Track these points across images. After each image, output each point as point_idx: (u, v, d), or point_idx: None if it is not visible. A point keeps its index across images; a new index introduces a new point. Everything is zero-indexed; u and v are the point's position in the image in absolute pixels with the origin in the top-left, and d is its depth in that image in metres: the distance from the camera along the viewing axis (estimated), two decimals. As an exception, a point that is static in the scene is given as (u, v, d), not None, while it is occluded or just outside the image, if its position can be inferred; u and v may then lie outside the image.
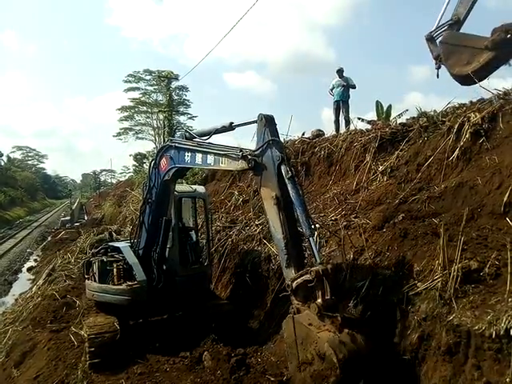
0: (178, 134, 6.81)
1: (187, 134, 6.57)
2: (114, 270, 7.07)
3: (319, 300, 4.26)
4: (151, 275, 6.99)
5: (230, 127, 6.03)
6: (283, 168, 4.76)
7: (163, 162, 6.71)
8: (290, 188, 4.70)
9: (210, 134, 6.10)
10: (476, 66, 5.86)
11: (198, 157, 5.96)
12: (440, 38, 5.99)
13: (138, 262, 7.04)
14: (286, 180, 4.70)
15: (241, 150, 5.22)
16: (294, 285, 4.52)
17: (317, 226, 7.86)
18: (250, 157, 5.05)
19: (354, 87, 13.17)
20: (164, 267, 7.18)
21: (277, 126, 5.16)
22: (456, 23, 5.78)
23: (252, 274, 8.45)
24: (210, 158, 5.75)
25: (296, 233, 5.01)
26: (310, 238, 4.66)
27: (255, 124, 5.27)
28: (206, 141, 6.04)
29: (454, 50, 5.70)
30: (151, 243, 7.13)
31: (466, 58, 5.54)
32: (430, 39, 5.91)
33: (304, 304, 4.46)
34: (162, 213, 7.01)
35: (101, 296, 7.08)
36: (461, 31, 5.90)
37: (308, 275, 4.34)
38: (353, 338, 4.18)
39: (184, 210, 8.24)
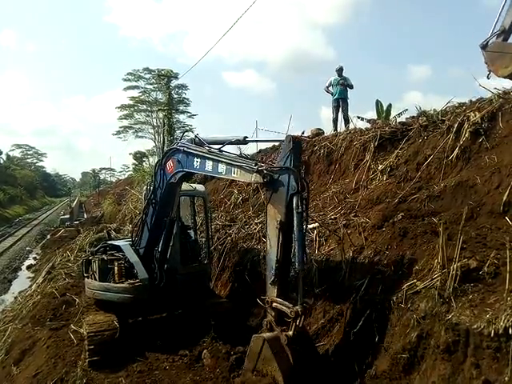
0: (187, 138, 6.72)
1: (197, 139, 6.46)
2: (116, 268, 7.07)
3: (290, 333, 4.72)
4: (152, 274, 7.00)
5: (244, 141, 6.10)
6: (295, 199, 4.82)
7: (169, 164, 6.65)
8: (295, 220, 4.81)
9: (222, 143, 6.05)
10: None
11: (209, 164, 5.91)
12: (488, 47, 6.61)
13: (140, 261, 7.06)
14: (295, 213, 4.79)
15: (256, 163, 5.25)
16: (273, 306, 4.97)
17: (316, 224, 7.88)
18: (265, 172, 5.08)
19: (351, 87, 13.15)
20: (165, 266, 7.19)
21: (301, 153, 5.32)
22: (503, 32, 6.29)
23: (251, 272, 8.46)
24: (222, 167, 5.70)
25: (288, 259, 5.15)
26: (300, 272, 4.86)
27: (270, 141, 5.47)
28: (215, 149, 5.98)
29: (497, 56, 6.32)
30: (153, 243, 7.14)
31: (506, 63, 6.16)
32: (483, 47, 6.48)
33: (277, 325, 4.92)
34: (166, 213, 7.02)
35: (102, 294, 7.08)
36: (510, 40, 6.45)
37: (288, 310, 4.71)
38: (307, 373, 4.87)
39: (184, 209, 8.24)
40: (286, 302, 4.80)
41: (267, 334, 4.91)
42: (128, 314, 7.15)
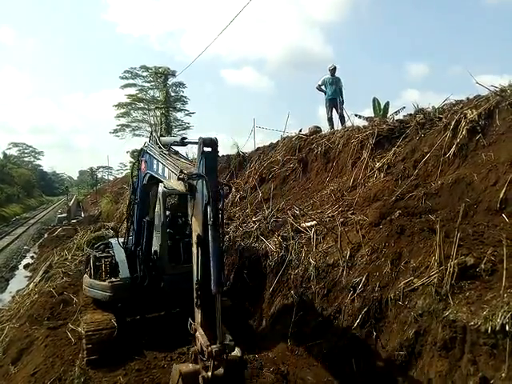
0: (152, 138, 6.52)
1: (156, 139, 6.22)
2: (103, 265, 7.11)
3: (210, 373, 3.98)
4: (139, 273, 6.98)
5: (182, 143, 5.80)
6: (208, 210, 4.21)
7: (143, 164, 6.56)
8: (210, 234, 4.20)
9: (167, 145, 5.84)
10: None
11: (160, 167, 5.57)
12: None
13: (125, 259, 7.04)
14: (208, 225, 4.20)
15: (181, 170, 4.73)
16: (195, 335, 4.37)
17: (314, 222, 7.89)
18: (185, 179, 4.56)
19: (341, 89, 13.14)
20: (151, 265, 7.12)
21: (217, 153, 4.58)
22: None
23: (249, 270, 8.47)
24: (167, 172, 5.29)
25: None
26: (217, 296, 4.16)
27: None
28: (172, 150, 5.77)
29: None
30: (138, 242, 7.13)
31: None
32: None
33: (202, 357, 4.10)
34: (145, 213, 6.98)
35: (89, 291, 7.16)
36: None
37: (204, 348, 4.02)
38: None
39: (184, 207, 8.16)
40: (206, 337, 4.13)
41: (185, 368, 4.22)
42: (126, 313, 7.15)
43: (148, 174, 6.34)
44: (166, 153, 5.62)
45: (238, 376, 4.38)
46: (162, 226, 7.26)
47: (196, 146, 4.71)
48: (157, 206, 7.22)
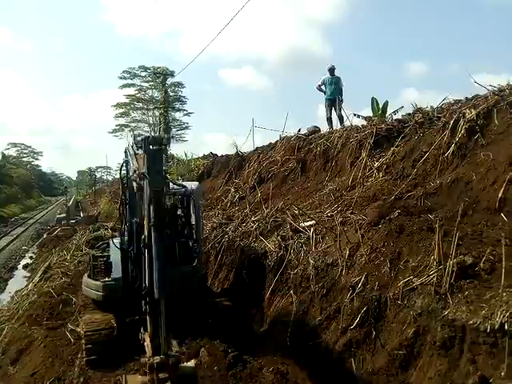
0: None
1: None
2: (98, 265, 7.11)
3: None
4: (129, 273, 6.93)
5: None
6: (150, 210, 4.07)
7: (129, 165, 6.55)
8: (152, 236, 4.04)
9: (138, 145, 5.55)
10: None
11: (132, 168, 5.41)
12: None
13: (120, 260, 7.01)
14: (151, 227, 4.03)
15: (134, 170, 4.61)
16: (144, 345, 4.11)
17: (313, 222, 7.89)
18: (136, 181, 4.44)
19: (340, 90, 13.15)
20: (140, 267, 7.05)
21: (162, 152, 4.49)
22: None
23: (249, 270, 8.47)
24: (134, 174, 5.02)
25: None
26: (161, 301, 3.92)
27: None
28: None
29: None
30: (130, 242, 7.10)
31: None
32: None
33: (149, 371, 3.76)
34: (134, 214, 6.95)
35: (85, 290, 7.16)
36: None
37: (146, 358, 3.81)
38: None
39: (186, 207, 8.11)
40: (150, 348, 3.89)
41: (134, 379, 4.02)
42: (125, 313, 7.13)
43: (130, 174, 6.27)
44: (138, 152, 5.36)
45: None
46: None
47: None
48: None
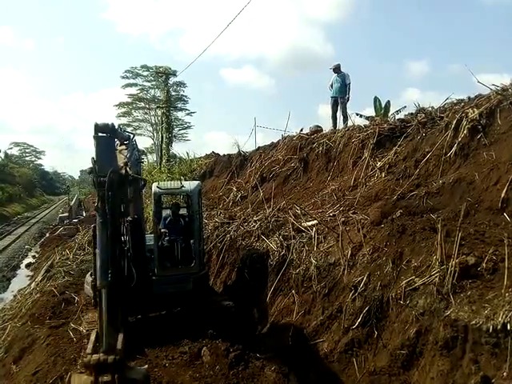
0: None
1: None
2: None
3: None
4: (129, 273, 6.91)
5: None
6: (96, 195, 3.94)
7: None
8: (97, 220, 3.97)
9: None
10: None
11: None
12: None
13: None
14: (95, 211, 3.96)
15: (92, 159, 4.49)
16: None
17: (315, 221, 7.89)
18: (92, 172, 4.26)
19: (346, 85, 13.10)
20: (141, 266, 7.03)
21: (111, 139, 4.46)
22: None
23: (251, 269, 8.47)
24: None
25: (117, 276, 4.13)
26: (102, 290, 3.74)
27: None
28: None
29: None
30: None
31: None
32: None
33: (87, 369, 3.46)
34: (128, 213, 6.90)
35: (85, 288, 7.17)
36: None
37: (83, 356, 3.63)
38: None
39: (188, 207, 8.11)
40: (91, 344, 3.66)
41: (79, 379, 3.55)
42: (127, 312, 7.13)
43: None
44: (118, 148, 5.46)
45: None
46: (154, 226, 7.14)
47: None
48: (150, 206, 7.18)
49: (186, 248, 7.72)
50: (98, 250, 3.88)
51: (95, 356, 3.31)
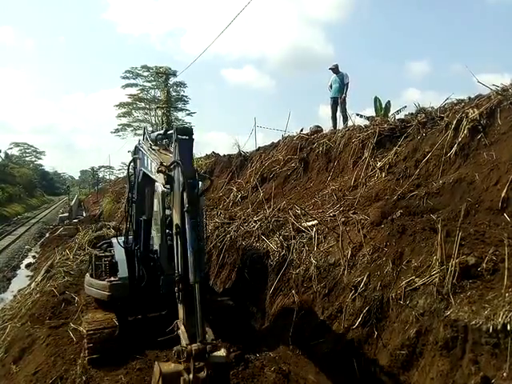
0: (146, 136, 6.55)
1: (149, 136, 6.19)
2: (103, 264, 7.11)
3: (191, 376, 3.68)
4: (137, 272, 6.96)
5: (165, 135, 5.76)
6: (185, 197, 4.16)
7: (138, 163, 6.56)
8: (186, 222, 4.13)
9: (154, 141, 5.84)
10: None
11: (149, 163, 5.56)
12: None
13: (125, 259, 7.02)
14: (185, 213, 4.12)
15: (161, 162, 4.72)
16: (177, 334, 4.10)
17: (315, 221, 7.88)
18: (164, 172, 4.53)
19: (345, 85, 13.12)
20: (149, 265, 7.09)
21: (192, 142, 4.54)
22: None
23: (251, 269, 8.47)
24: (154, 168, 5.13)
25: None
26: (196, 285, 3.95)
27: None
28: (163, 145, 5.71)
29: None
30: (136, 241, 7.12)
31: None
32: None
33: (186, 360, 3.75)
34: (142, 212, 6.98)
35: (88, 290, 7.16)
36: None
37: (183, 346, 3.80)
38: None
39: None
40: (186, 335, 3.90)
41: (167, 367, 3.92)
42: (127, 312, 7.15)
43: (141, 172, 6.35)
44: (155, 148, 5.57)
45: (223, 379, 4.03)
46: (161, 225, 7.22)
47: None
48: (156, 205, 7.20)
49: None
50: (189, 247, 4.06)
51: (195, 345, 3.68)
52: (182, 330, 4.02)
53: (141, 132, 51.59)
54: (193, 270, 3.97)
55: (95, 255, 7.41)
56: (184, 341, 3.83)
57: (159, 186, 7.06)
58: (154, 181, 6.56)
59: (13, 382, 6.66)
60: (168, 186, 4.61)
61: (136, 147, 6.60)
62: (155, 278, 6.94)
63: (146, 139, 6.22)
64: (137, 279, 6.89)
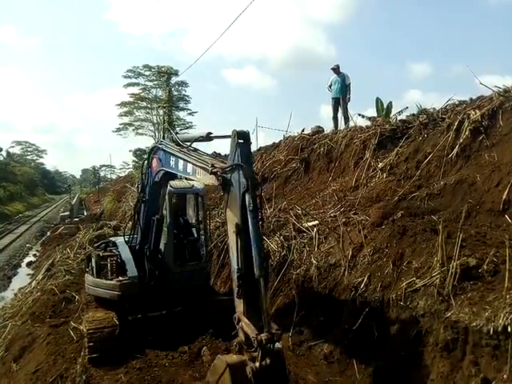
0: (167, 136, 6.69)
1: (173, 137, 6.31)
2: (108, 264, 7.11)
3: (257, 364, 3.98)
4: (145, 271, 7.01)
5: (208, 137, 5.86)
6: (247, 197, 4.38)
7: (154, 162, 6.63)
8: (249, 220, 4.35)
9: (190, 141, 5.90)
10: None
11: (180, 163, 5.72)
12: None
13: (132, 258, 7.04)
14: (248, 212, 4.35)
15: (212, 164, 4.90)
16: (239, 326, 4.34)
17: (316, 222, 7.88)
18: (219, 173, 4.73)
19: (347, 86, 13.09)
20: (157, 264, 7.16)
21: (250, 146, 4.81)
22: None
23: (251, 269, 8.45)
24: (190, 168, 5.46)
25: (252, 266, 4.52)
26: (260, 279, 4.20)
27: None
28: (191, 147, 5.79)
29: None
30: (145, 241, 7.15)
31: None
32: None
33: (248, 349, 4.12)
34: (155, 211, 7.02)
35: (94, 290, 7.13)
36: None
37: (251, 336, 4.03)
38: None
39: (187, 206, 8.19)
40: (252, 326, 4.13)
41: (232, 359, 4.19)
42: (123, 310, 7.15)
43: (162, 171, 6.42)
44: (190, 149, 5.70)
45: (282, 365, 4.32)
46: (168, 224, 7.29)
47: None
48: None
49: (194, 245, 7.92)
50: (253, 244, 4.28)
51: (263, 335, 3.93)
52: (245, 322, 4.23)
53: (142, 131, 51.74)
54: (258, 266, 4.20)
55: (98, 255, 7.40)
56: (252, 331, 4.03)
57: (167, 187, 7.15)
58: (170, 180, 6.78)
59: (13, 380, 6.68)
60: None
61: (155, 147, 6.66)
62: (162, 276, 7.07)
63: (171, 140, 6.31)
64: (147, 278, 6.96)
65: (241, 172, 4.50)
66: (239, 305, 4.45)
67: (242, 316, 4.34)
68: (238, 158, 4.59)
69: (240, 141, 4.66)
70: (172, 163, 5.98)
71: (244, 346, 4.16)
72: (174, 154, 5.92)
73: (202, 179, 5.31)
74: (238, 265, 4.46)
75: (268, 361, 3.96)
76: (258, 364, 3.94)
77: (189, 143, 5.87)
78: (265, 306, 4.18)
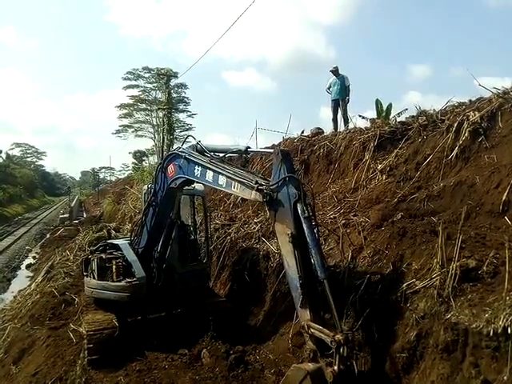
0: (188, 144, 6.74)
1: (198, 146, 6.39)
2: (114, 267, 7.09)
3: (335, 368, 4.15)
4: (150, 273, 7.05)
5: (246, 152, 6.02)
6: (299, 206, 4.68)
7: (170, 168, 6.67)
8: (305, 227, 4.61)
9: (223, 152, 6.01)
10: None
11: (209, 174, 5.84)
12: None
13: (137, 260, 7.08)
14: (302, 219, 4.62)
15: (257, 181, 5.12)
16: (310, 332, 4.48)
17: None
18: (265, 191, 4.99)
19: (347, 88, 13.10)
20: (164, 265, 7.22)
21: (292, 161, 5.23)
22: None
23: (251, 271, 8.46)
24: (222, 179, 5.62)
25: (311, 273, 4.74)
26: (325, 281, 4.43)
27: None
28: (218, 159, 5.94)
29: None
30: (153, 243, 7.19)
31: None
32: None
33: (322, 356, 4.34)
34: (166, 216, 7.11)
35: (100, 293, 7.10)
36: None
37: (329, 339, 4.20)
38: None
39: (184, 208, 8.25)
40: (325, 330, 4.31)
41: (310, 367, 4.30)
42: (126, 313, 7.16)
43: (181, 179, 6.54)
44: (218, 161, 5.84)
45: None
46: (175, 227, 7.42)
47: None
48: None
49: (194, 246, 8.12)
50: (313, 249, 4.56)
51: (339, 335, 4.13)
52: (317, 328, 4.40)
53: (142, 133, 51.72)
54: (321, 268, 4.45)
55: (100, 258, 7.40)
56: (327, 334, 4.22)
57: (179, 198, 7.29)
58: (185, 186, 6.98)
59: (12, 382, 6.67)
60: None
61: (174, 153, 6.72)
62: (168, 277, 7.21)
63: (193, 148, 6.41)
64: (156, 279, 7.07)
65: (290, 183, 4.82)
66: (304, 313, 4.62)
67: (311, 323, 4.49)
68: (284, 172, 4.92)
69: (283, 157, 4.99)
70: (197, 172, 6.08)
71: (318, 353, 4.34)
72: (200, 164, 6.00)
73: (239, 193, 5.55)
74: (298, 273, 4.64)
75: (342, 364, 4.12)
76: (336, 367, 4.10)
77: (222, 154, 5.98)
78: (334, 308, 4.35)
